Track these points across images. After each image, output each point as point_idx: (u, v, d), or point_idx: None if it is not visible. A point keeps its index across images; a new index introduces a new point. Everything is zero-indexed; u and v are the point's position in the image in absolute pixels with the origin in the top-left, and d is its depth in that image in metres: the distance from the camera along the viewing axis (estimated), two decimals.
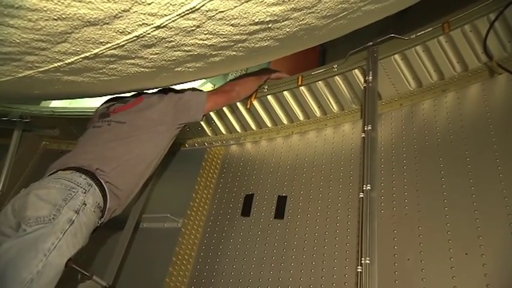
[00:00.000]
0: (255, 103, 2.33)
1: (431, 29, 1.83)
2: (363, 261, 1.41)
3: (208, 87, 3.31)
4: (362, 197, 1.58)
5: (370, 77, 1.89)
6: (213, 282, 1.97)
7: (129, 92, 2.03)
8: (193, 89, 2.03)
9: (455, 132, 1.75)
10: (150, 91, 2.04)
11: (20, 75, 1.26)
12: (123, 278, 2.05)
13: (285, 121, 2.35)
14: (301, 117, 2.30)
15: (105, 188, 1.60)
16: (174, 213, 2.22)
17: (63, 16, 0.93)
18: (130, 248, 2.15)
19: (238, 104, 2.37)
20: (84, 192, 1.50)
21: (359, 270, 1.41)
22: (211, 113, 2.42)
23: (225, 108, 2.39)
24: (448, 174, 1.65)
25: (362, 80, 2.02)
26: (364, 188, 1.59)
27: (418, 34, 1.85)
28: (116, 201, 1.68)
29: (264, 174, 2.24)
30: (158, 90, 2.04)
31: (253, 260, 1.94)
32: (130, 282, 2.07)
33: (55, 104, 3.01)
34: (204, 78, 2.12)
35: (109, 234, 2.34)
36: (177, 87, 2.07)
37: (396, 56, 1.91)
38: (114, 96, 2.08)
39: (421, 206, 1.64)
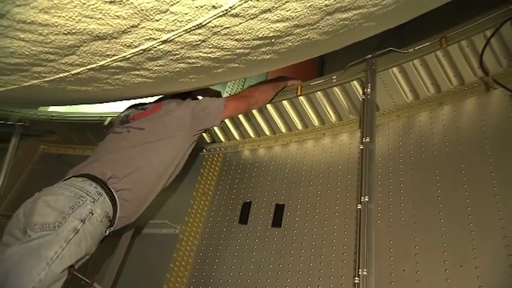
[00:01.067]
0: (254, 111, 2.36)
1: (429, 43, 1.86)
2: (360, 273, 1.43)
3: None
4: (360, 209, 1.60)
5: (369, 89, 1.92)
6: None
7: (130, 100, 2.05)
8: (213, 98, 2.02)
9: (451, 145, 1.79)
10: (168, 98, 2.04)
11: (26, 84, 1.28)
12: (121, 284, 2.06)
13: (283, 130, 2.38)
14: (299, 126, 2.33)
15: (116, 197, 1.59)
16: (172, 220, 2.23)
17: (73, 31, 0.95)
18: (129, 254, 2.16)
19: None
20: (93, 202, 1.49)
21: (356, 281, 1.43)
22: None
23: None
24: (443, 187, 1.68)
25: (360, 92, 2.05)
26: (362, 200, 1.62)
27: (416, 48, 1.89)
28: (128, 208, 1.67)
29: (262, 182, 2.27)
30: (176, 95, 2.05)
31: (250, 267, 1.96)
32: None
33: (54, 108, 3.01)
34: (205, 87, 2.14)
35: (107, 240, 2.35)
36: None
37: (394, 68, 1.95)
38: (135, 103, 2.09)
39: (417, 217, 1.67)
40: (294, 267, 1.85)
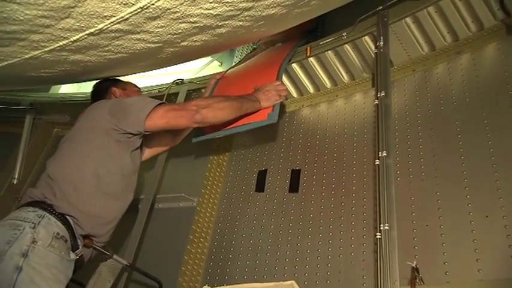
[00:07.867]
0: None
1: None
2: (381, 228, 1.39)
3: (214, 65, 3.26)
4: (378, 164, 1.55)
5: (381, 43, 1.82)
6: (231, 257, 1.99)
7: (135, 73, 2.01)
8: (144, 97, 1.74)
9: (471, 95, 1.70)
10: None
11: (27, 56, 1.25)
12: (142, 257, 2.09)
13: (294, 94, 2.32)
14: (311, 89, 2.26)
15: (64, 214, 1.38)
16: (188, 193, 2.24)
17: None
18: (148, 228, 2.18)
19: None
20: (33, 227, 1.27)
21: (378, 236, 1.39)
22: None
23: None
24: (465, 137, 1.61)
25: (373, 47, 1.96)
26: (379, 155, 1.56)
27: None
28: (84, 224, 1.44)
29: (276, 149, 2.23)
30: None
31: (269, 234, 1.94)
32: (150, 260, 2.11)
33: (64, 89, 3.01)
34: (210, 56, 2.07)
35: (125, 216, 2.37)
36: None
37: (407, 19, 1.85)
38: None
39: (438, 171, 1.61)
40: (314, 230, 1.83)
